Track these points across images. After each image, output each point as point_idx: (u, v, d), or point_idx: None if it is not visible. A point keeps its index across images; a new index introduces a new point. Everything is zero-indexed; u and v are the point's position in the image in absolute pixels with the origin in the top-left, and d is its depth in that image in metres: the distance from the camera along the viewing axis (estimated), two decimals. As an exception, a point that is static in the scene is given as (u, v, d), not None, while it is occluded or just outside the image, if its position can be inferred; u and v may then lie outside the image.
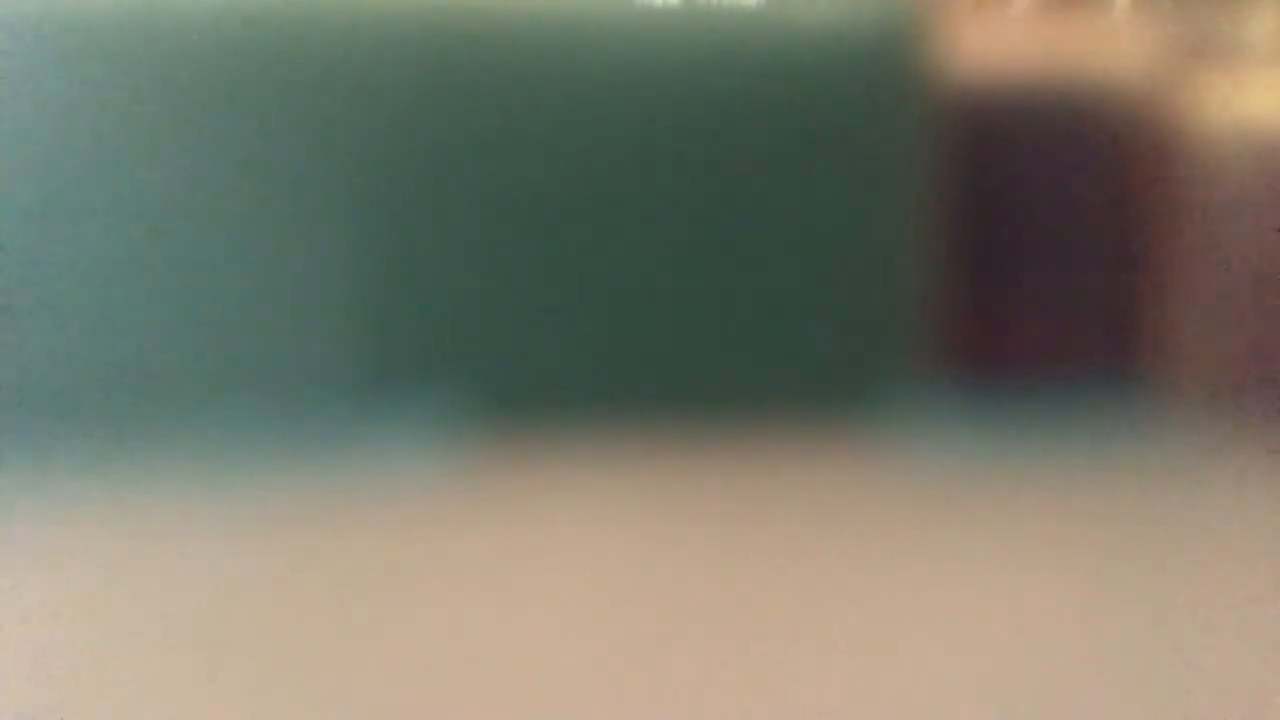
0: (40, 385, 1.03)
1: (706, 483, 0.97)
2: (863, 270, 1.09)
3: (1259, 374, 1.13)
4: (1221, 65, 1.15)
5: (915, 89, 1.10)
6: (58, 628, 0.73)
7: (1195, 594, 0.78)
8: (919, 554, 0.84)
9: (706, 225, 1.08)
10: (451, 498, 0.94)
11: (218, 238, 1.05)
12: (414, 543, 0.86)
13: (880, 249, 1.10)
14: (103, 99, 1.04)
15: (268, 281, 1.05)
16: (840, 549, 0.86)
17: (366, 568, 0.81)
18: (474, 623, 0.73)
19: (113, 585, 0.79)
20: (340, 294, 1.05)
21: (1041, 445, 1.02)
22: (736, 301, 1.08)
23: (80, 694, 0.65)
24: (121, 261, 1.04)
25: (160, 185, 1.04)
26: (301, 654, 0.69)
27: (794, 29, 1.08)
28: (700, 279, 1.07)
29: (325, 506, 0.92)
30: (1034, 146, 1.14)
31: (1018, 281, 1.14)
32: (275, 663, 0.68)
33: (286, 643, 0.71)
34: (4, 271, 1.04)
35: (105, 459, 1.00)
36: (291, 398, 1.04)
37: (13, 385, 1.03)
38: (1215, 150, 1.14)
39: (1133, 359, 1.13)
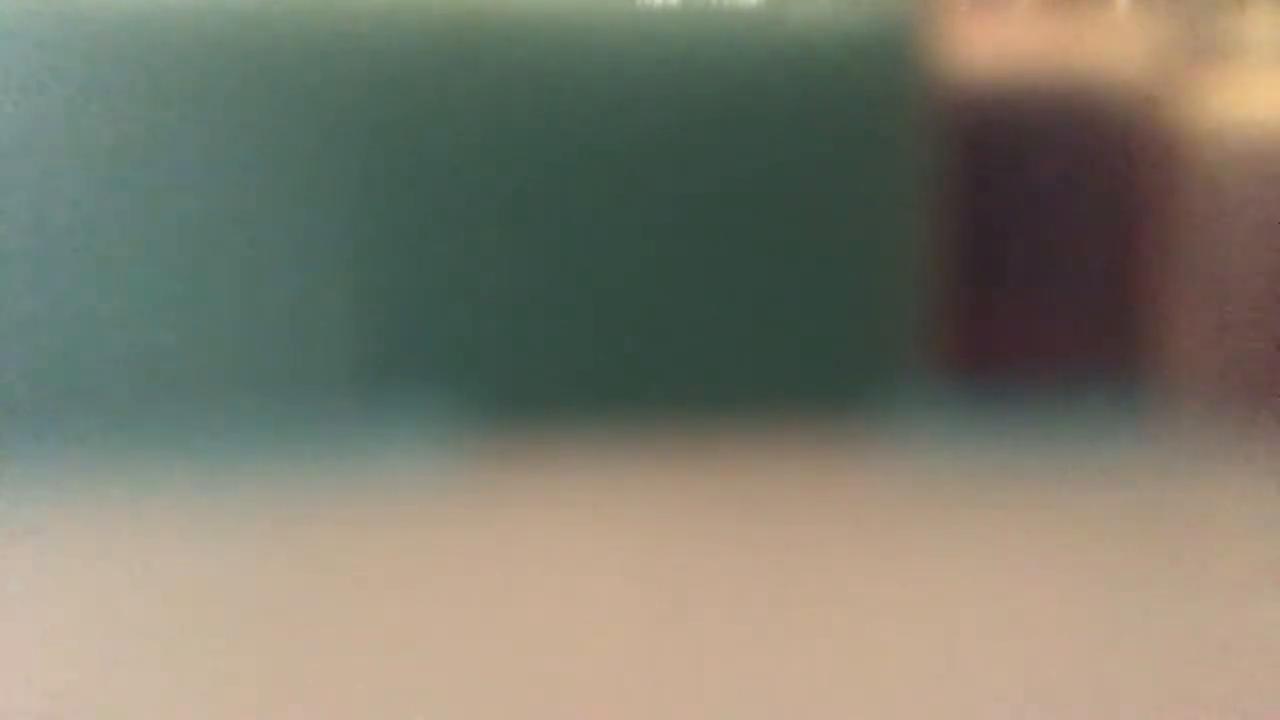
0: (38, 386, 1.03)
1: (707, 482, 0.97)
2: (863, 270, 1.09)
3: (1259, 374, 1.13)
4: (1221, 65, 1.15)
5: (915, 89, 1.10)
6: (58, 627, 0.73)
7: (1194, 592, 0.78)
8: (919, 552, 0.84)
9: (706, 226, 1.08)
10: (452, 498, 0.94)
11: (218, 238, 1.05)
12: (414, 542, 0.86)
13: (880, 249, 1.10)
14: (102, 98, 1.04)
15: (268, 282, 1.05)
16: (841, 547, 0.86)
17: (368, 567, 0.81)
18: (475, 621, 0.73)
19: (113, 585, 0.79)
20: (341, 295, 1.05)
21: (1041, 445, 1.02)
22: (736, 301, 1.08)
23: (81, 693, 0.65)
24: (122, 262, 1.04)
25: (160, 185, 1.04)
26: (303, 652, 0.69)
27: (794, 29, 1.08)
28: (700, 279, 1.08)
29: (327, 506, 0.92)
30: (1034, 146, 1.14)
31: (1018, 281, 1.14)
32: (276, 661, 0.68)
33: (288, 641, 0.71)
34: (4, 272, 1.04)
35: (104, 460, 1.00)
36: (293, 398, 1.04)
37: (14, 386, 1.03)
38: (1215, 150, 1.14)
39: (1133, 359, 1.13)
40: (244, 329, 1.05)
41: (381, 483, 0.97)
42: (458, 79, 1.06)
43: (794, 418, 1.05)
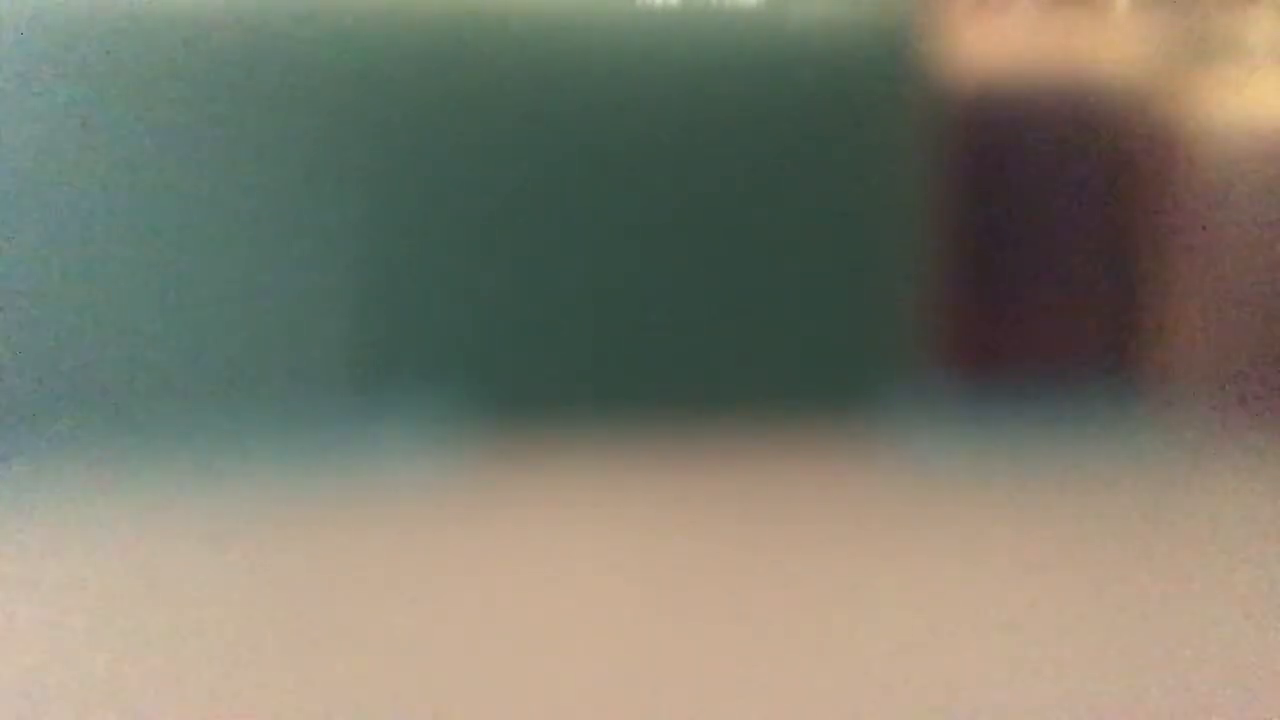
0: (38, 386, 1.03)
1: (706, 483, 0.96)
2: (863, 270, 1.09)
3: (1259, 374, 1.13)
4: (1221, 65, 1.15)
5: (915, 89, 1.10)
6: (58, 627, 0.73)
7: (1193, 592, 0.78)
8: (919, 552, 0.84)
9: (706, 226, 1.08)
10: (451, 498, 0.94)
11: (218, 238, 1.05)
12: (414, 542, 0.86)
13: (880, 249, 1.10)
14: (101, 98, 1.04)
15: (268, 281, 1.05)
16: (841, 547, 0.86)
17: (367, 566, 0.81)
18: (474, 621, 0.73)
19: (112, 585, 0.79)
20: (341, 294, 1.05)
21: (1041, 445, 1.02)
22: (736, 301, 1.08)
23: (80, 692, 0.65)
24: (122, 261, 1.04)
25: (160, 185, 1.04)
26: (302, 652, 0.69)
27: (794, 29, 1.08)
28: (699, 279, 1.07)
29: (326, 506, 0.92)
30: (1034, 146, 1.14)
31: (1017, 281, 1.14)
32: (276, 660, 0.68)
33: (287, 641, 0.71)
34: (4, 272, 1.04)
35: (103, 460, 1.00)
36: (292, 398, 1.04)
37: (13, 386, 1.03)
38: (1215, 150, 1.14)
39: (1133, 359, 1.13)
40: (243, 328, 1.05)
41: (381, 483, 0.97)
42: (456, 79, 1.06)
43: (794, 418, 1.05)
